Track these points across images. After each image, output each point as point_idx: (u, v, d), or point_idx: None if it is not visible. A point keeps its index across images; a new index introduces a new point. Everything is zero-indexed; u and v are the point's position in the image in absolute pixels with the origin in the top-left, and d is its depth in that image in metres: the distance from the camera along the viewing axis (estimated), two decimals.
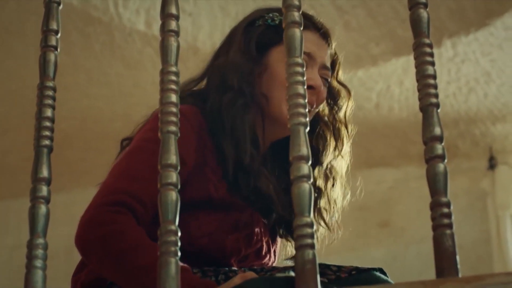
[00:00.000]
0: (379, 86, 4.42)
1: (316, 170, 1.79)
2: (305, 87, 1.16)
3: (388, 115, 4.68)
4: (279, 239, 1.81)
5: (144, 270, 1.40)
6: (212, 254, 1.61)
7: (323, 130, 1.83)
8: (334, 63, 1.82)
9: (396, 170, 5.17)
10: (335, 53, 1.83)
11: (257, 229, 1.69)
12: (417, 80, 1.17)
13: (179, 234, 1.11)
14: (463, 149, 4.99)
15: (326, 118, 1.83)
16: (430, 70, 1.17)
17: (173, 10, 1.24)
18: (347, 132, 1.83)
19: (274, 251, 1.78)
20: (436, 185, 1.12)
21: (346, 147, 1.83)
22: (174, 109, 1.18)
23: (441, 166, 1.12)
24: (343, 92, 1.84)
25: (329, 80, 1.79)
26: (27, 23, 3.75)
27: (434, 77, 1.17)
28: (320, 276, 1.11)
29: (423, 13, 1.20)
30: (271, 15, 1.78)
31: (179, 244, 1.10)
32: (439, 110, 1.16)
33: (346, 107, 1.84)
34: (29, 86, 4.05)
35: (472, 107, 4.62)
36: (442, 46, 4.00)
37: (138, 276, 1.42)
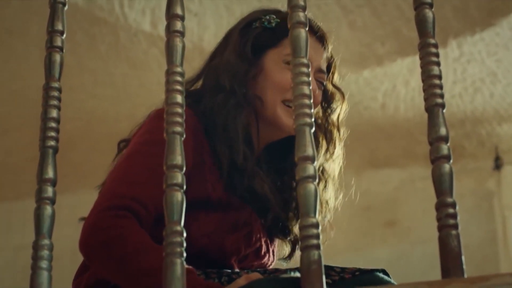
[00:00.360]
0: (384, 86, 4.41)
1: None
2: (311, 87, 1.16)
3: (394, 115, 4.67)
4: (277, 240, 1.81)
5: (149, 273, 1.40)
6: (212, 254, 1.61)
7: (315, 132, 1.83)
8: (330, 66, 1.83)
9: (402, 170, 5.15)
10: (331, 56, 1.83)
11: (256, 229, 1.70)
12: (423, 81, 1.17)
13: (185, 235, 1.11)
14: (469, 149, 4.98)
15: (319, 121, 1.84)
16: (435, 70, 1.17)
17: (179, 11, 1.24)
18: (339, 135, 1.84)
19: (273, 251, 1.78)
20: (442, 186, 1.11)
21: (338, 150, 1.84)
22: (179, 110, 1.18)
23: (446, 167, 1.12)
24: (337, 95, 1.85)
25: (324, 83, 1.80)
26: (29, 24, 3.75)
27: (439, 77, 1.17)
28: None
29: (429, 13, 1.20)
30: (268, 17, 1.78)
31: (185, 245, 1.10)
32: (444, 111, 1.15)
33: (340, 110, 1.85)
34: (31, 86, 4.06)
35: (478, 107, 4.61)
36: (447, 46, 3.99)
37: (142, 279, 1.42)
